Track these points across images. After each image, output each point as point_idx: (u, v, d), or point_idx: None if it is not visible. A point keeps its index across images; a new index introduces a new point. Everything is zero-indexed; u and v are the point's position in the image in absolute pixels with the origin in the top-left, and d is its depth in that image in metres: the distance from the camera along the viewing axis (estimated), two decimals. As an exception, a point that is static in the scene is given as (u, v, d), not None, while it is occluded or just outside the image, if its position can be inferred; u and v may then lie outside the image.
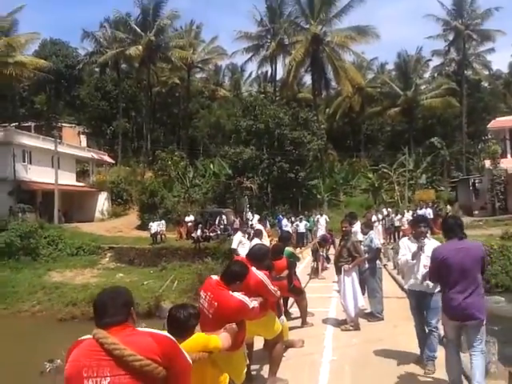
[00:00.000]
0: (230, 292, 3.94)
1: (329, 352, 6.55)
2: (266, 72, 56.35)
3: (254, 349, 5.74)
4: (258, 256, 5.15)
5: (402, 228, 21.06)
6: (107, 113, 49.42)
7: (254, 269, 4.81)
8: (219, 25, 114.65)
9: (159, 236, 26.08)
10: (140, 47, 43.82)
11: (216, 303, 3.87)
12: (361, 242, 9.36)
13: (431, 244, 5.60)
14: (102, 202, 36.45)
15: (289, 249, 7.95)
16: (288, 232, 11.41)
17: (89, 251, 25.26)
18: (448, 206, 23.96)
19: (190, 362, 2.61)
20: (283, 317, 6.26)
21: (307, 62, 42.23)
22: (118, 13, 45.97)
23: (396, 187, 34.82)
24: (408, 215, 22.56)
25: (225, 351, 3.72)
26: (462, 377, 4.91)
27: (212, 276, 4.23)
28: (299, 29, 42.99)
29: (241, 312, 3.94)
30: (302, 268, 14.87)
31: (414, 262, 5.70)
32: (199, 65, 52.43)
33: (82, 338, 2.44)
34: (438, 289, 5.23)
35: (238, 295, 3.95)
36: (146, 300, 18.23)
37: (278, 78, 51.31)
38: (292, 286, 7.51)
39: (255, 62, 51.71)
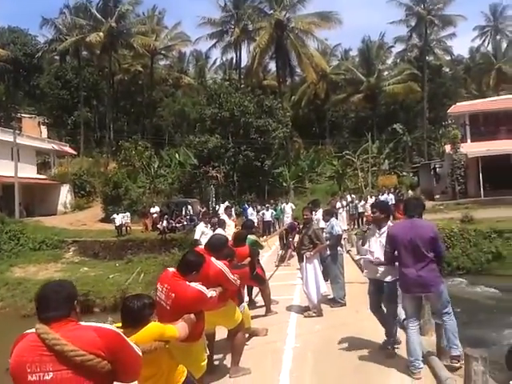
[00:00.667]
0: (187, 283, 3.93)
1: (292, 339, 6.63)
2: (231, 59, 55.89)
3: (217, 339, 5.76)
4: (216, 246, 5.18)
5: (366, 214, 21.40)
6: (68, 102, 48.11)
7: (213, 259, 4.84)
8: (183, 10, 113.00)
9: (124, 228, 25.73)
10: (101, 34, 42.92)
11: (173, 294, 3.87)
12: (323, 229, 9.50)
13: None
14: (65, 194, 35.59)
15: (251, 237, 7.96)
16: (251, 220, 11.44)
17: (52, 245, 24.71)
18: (410, 191, 24.51)
19: (139, 353, 2.62)
20: (244, 304, 6.31)
21: (272, 49, 42.08)
22: (79, -1, 44.77)
23: (360, 173, 35.31)
24: (371, 201, 22.88)
25: (183, 342, 3.75)
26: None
27: (168, 268, 4.21)
28: (263, 15, 42.73)
29: (198, 302, 3.95)
30: (268, 256, 15.02)
31: (366, 248, 5.87)
32: (162, 52, 51.57)
33: (27, 331, 2.43)
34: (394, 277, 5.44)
35: (196, 285, 3.94)
36: (112, 293, 18.05)
37: (242, 65, 51.08)
38: (255, 273, 7.54)
39: (219, 49, 51.34)
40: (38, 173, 36.72)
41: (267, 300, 8.13)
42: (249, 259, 6.98)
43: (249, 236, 7.74)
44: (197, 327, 3.96)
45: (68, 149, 41.76)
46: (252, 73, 43.42)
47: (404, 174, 38.05)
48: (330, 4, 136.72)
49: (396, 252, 5.14)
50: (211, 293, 4.13)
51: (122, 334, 2.54)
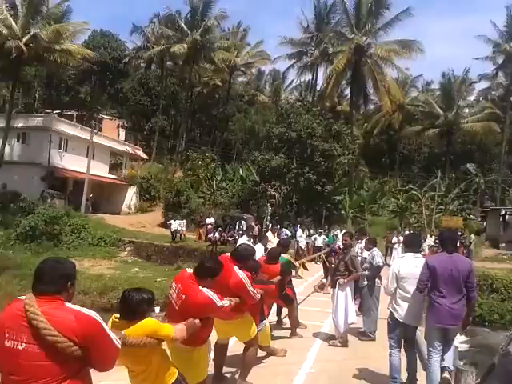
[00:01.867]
0: (200, 287, 3.91)
1: (308, 364, 6.43)
2: (309, 81, 56.29)
3: (234, 353, 5.70)
4: (242, 256, 5.08)
5: (422, 253, 20.53)
6: (147, 109, 50.49)
7: (236, 268, 4.80)
8: (267, 29, 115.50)
9: (179, 235, 26.36)
10: (185, 45, 44.55)
11: (184, 296, 3.88)
12: (365, 258, 9.23)
13: None
14: (131, 196, 37.14)
15: (285, 256, 7.89)
16: (287, 239, 11.28)
17: (109, 243, 25.72)
18: (472, 236, 23.23)
19: (118, 344, 2.63)
20: (265, 322, 6.17)
21: (348, 74, 41.71)
22: (168, 10, 47.20)
23: (424, 211, 34.02)
24: (430, 240, 22.01)
25: (185, 346, 3.80)
26: None
27: (187, 269, 4.22)
28: (343, 39, 42.50)
29: (206, 309, 3.90)
30: (313, 280, 14.77)
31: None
32: (242, 68, 52.85)
33: (19, 297, 2.54)
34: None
35: (207, 291, 3.90)
36: (156, 297, 18.40)
37: (318, 88, 51.24)
38: (283, 293, 7.42)
39: (297, 69, 51.80)
40: (109, 172, 38.59)
41: (293, 322, 7.95)
42: (279, 277, 6.91)
43: (283, 255, 7.64)
44: (201, 333, 3.93)
45: (141, 153, 43.66)
46: (326, 96, 43.24)
47: (471, 217, 36.20)
48: (414, 33, 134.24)
49: (432, 282, 5.15)
50: (223, 302, 4.07)
51: (103, 322, 2.54)
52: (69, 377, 2.42)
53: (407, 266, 5.43)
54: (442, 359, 5.22)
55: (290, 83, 62.92)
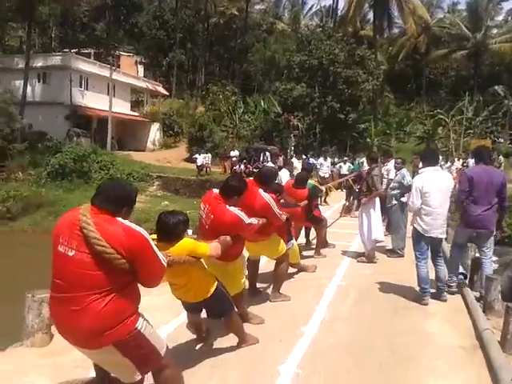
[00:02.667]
0: (227, 206, 4.02)
1: (338, 278, 6.71)
2: (329, 6, 53.87)
3: (266, 270, 5.98)
4: (266, 178, 5.10)
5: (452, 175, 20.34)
6: (164, 43, 49.32)
7: (261, 191, 4.87)
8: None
9: (204, 168, 26.64)
10: (198, -27, 42.80)
11: (212, 215, 4.01)
12: (391, 179, 9.29)
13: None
14: (154, 132, 37.29)
15: (311, 181, 7.98)
16: (311, 163, 11.29)
17: (138, 178, 26.10)
18: (501, 157, 22.82)
19: (164, 263, 2.73)
20: (293, 241, 6.34)
21: (371, -4, 39.84)
22: None
23: (452, 135, 33.34)
24: (458, 164, 21.77)
25: (220, 261, 3.98)
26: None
27: (213, 189, 4.32)
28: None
29: (235, 226, 4.02)
30: (338, 207, 14.97)
31: None
32: (259, -6, 50.81)
33: (82, 206, 2.66)
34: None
35: (234, 210, 4.02)
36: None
37: (339, 12, 49.13)
38: (311, 215, 7.54)
39: (317, -6, 49.51)
40: (131, 110, 38.58)
41: (319, 241, 8.12)
42: (306, 202, 7.03)
43: (310, 181, 7.76)
44: (233, 249, 4.10)
45: (161, 89, 43.30)
46: (348, 21, 41.53)
47: (500, 140, 35.33)
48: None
49: (469, 190, 5.65)
50: (251, 220, 4.19)
51: (150, 239, 2.63)
52: (115, 290, 2.50)
53: (430, 181, 5.53)
54: (481, 267, 5.96)
55: (310, 9, 60.95)
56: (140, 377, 2.71)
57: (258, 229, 4.49)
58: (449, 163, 22.25)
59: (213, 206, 4.05)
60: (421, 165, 17.14)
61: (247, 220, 4.10)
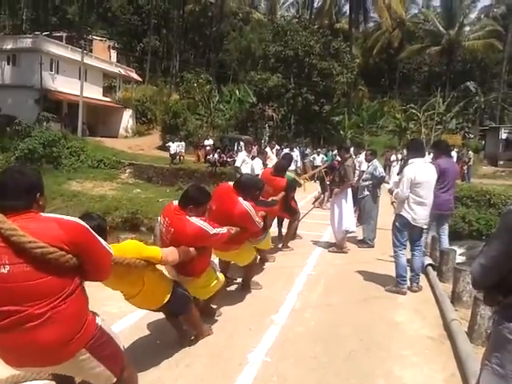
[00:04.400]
0: (188, 217, 3.74)
1: (309, 268, 6.72)
2: (305, -3, 53.71)
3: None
4: (245, 186, 4.90)
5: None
6: (138, 28, 48.55)
7: (240, 199, 4.70)
8: None
9: (178, 157, 26.36)
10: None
11: (172, 229, 3.75)
12: (363, 171, 9.35)
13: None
14: (127, 119, 36.63)
15: (291, 174, 7.85)
16: (290, 154, 11.17)
17: (109, 165, 25.69)
18: (471, 153, 23.34)
19: (110, 250, 2.43)
20: (268, 231, 6.19)
21: (346, -11, 40.01)
22: None
23: (423, 130, 33.88)
24: (428, 158, 22.09)
25: (187, 277, 3.89)
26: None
27: (173, 202, 3.99)
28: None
29: (198, 239, 3.74)
30: (311, 197, 15.03)
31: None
32: (235, -17, 50.32)
33: None
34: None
35: (196, 221, 3.73)
36: (159, 215, 18.76)
37: (315, 4, 49.14)
38: (287, 206, 7.45)
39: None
40: (103, 95, 37.74)
41: (290, 234, 7.91)
42: (283, 193, 6.90)
43: (288, 173, 7.61)
44: (199, 262, 3.90)
45: (134, 75, 42.45)
46: (324, 13, 41.72)
47: (471, 136, 36.11)
48: None
49: (441, 179, 6.42)
50: (218, 230, 3.90)
51: (87, 225, 2.28)
52: (71, 291, 2.21)
53: (422, 172, 5.57)
54: (440, 242, 7.17)
55: (286, 0, 60.20)
56: (115, 379, 2.50)
57: (229, 238, 4.28)
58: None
59: (172, 218, 3.77)
60: (393, 157, 17.38)
61: (212, 230, 3.80)
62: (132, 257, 3.03)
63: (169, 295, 3.47)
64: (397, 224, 5.79)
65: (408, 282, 5.85)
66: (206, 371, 3.56)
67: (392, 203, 7.86)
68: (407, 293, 5.72)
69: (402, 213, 5.69)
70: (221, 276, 4.33)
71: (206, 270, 4.07)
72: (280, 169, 7.32)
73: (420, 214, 5.63)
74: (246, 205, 4.66)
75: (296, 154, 19.41)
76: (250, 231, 4.88)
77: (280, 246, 7.78)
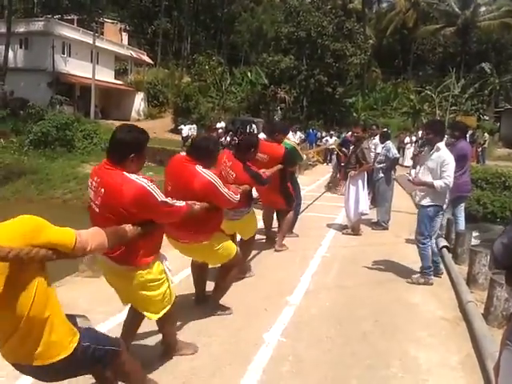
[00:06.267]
0: (125, 173, 2.60)
1: (323, 250, 6.72)
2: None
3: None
4: (201, 151, 3.58)
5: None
6: (149, 10, 48.25)
7: (198, 167, 3.53)
8: None
9: (190, 140, 26.26)
10: None
11: (102, 190, 2.61)
12: (378, 153, 9.26)
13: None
14: (139, 102, 36.64)
15: (290, 142, 6.57)
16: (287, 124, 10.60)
17: (122, 148, 25.72)
18: (486, 134, 22.99)
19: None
20: (252, 208, 4.95)
21: (360, -33, 39.17)
22: None
23: (438, 111, 33.40)
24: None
25: (123, 266, 2.74)
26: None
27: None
28: None
29: (139, 203, 2.57)
30: (324, 180, 14.99)
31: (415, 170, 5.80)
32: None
33: None
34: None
35: (137, 178, 2.60)
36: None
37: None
38: (285, 187, 6.18)
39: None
40: (115, 78, 37.73)
41: (284, 228, 6.52)
42: (279, 166, 5.64)
43: (286, 141, 6.32)
44: (144, 244, 2.73)
45: (146, 57, 42.32)
46: (337, -8, 40.89)
47: (486, 117, 35.54)
48: None
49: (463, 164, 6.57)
50: (171, 200, 2.81)
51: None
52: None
53: (451, 158, 5.11)
54: (457, 223, 7.14)
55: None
56: None
57: (193, 224, 3.46)
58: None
59: (103, 176, 2.64)
60: (407, 140, 17.28)
61: (159, 197, 2.67)
62: (21, 241, 1.73)
63: (73, 345, 2.04)
64: (430, 214, 5.24)
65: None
66: (223, 351, 3.59)
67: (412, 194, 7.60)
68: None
69: (438, 203, 5.21)
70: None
71: (151, 266, 2.82)
72: (277, 129, 6.23)
73: (447, 200, 5.44)
74: (208, 174, 3.52)
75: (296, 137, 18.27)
76: (223, 205, 3.77)
77: (276, 247, 6.43)
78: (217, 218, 3.83)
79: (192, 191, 3.43)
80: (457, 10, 44.26)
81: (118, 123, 28.15)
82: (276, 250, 6.38)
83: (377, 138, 10.42)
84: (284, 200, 6.27)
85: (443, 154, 5.09)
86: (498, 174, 16.30)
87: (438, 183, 5.06)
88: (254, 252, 5.82)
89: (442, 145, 5.18)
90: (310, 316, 4.33)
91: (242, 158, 4.61)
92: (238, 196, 3.80)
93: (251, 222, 4.94)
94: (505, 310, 4.28)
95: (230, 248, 3.98)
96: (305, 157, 8.90)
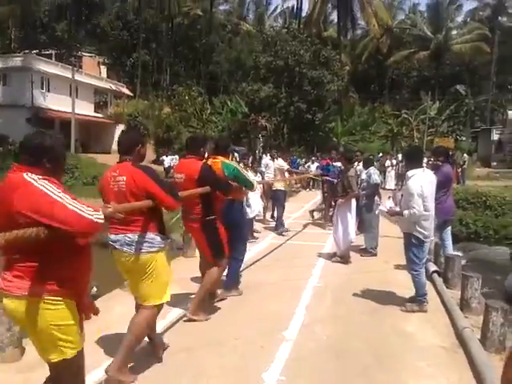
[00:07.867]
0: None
1: (315, 279, 6.67)
2: (293, 7, 54.29)
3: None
4: (32, 150, 2.43)
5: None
6: (127, 43, 48.57)
7: (29, 176, 2.37)
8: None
9: (172, 170, 26.24)
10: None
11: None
12: (362, 179, 9.32)
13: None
14: (119, 134, 36.50)
15: (232, 163, 5.11)
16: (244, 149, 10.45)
17: (103, 181, 25.50)
18: (465, 155, 23.48)
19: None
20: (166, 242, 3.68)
21: (334, -3, 40.37)
22: None
23: (415, 134, 34.06)
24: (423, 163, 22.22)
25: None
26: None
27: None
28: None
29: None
30: (308, 206, 14.99)
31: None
32: (222, -6, 50.73)
33: None
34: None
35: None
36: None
37: (303, 14, 49.47)
38: (209, 220, 4.63)
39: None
40: (95, 111, 37.72)
41: (203, 290, 4.77)
42: (207, 189, 4.42)
43: (229, 162, 5.05)
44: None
45: (125, 90, 42.53)
46: (312, 22, 41.90)
47: (463, 138, 36.34)
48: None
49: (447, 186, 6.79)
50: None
51: None
52: None
53: (426, 185, 5.12)
54: (445, 247, 7.17)
55: (274, 10, 61.03)
56: None
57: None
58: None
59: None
60: (388, 163, 17.48)
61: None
62: None
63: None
64: (413, 241, 5.23)
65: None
66: (222, 393, 3.50)
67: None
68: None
69: (414, 232, 5.18)
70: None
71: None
72: (221, 146, 5.13)
73: (430, 229, 5.28)
74: (44, 184, 2.30)
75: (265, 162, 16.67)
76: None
77: (188, 313, 4.73)
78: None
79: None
80: (429, 34, 45.64)
81: (98, 156, 28.19)
82: (187, 320, 4.67)
83: (360, 164, 10.55)
84: (209, 249, 4.70)
85: (409, 184, 5.12)
86: (478, 194, 16.55)
87: (405, 212, 5.15)
88: (247, 282, 5.76)
89: (411, 173, 5.19)
90: (307, 351, 4.25)
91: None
92: (101, 215, 2.31)
93: (159, 275, 3.43)
94: (501, 335, 4.28)
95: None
96: (259, 187, 8.65)
